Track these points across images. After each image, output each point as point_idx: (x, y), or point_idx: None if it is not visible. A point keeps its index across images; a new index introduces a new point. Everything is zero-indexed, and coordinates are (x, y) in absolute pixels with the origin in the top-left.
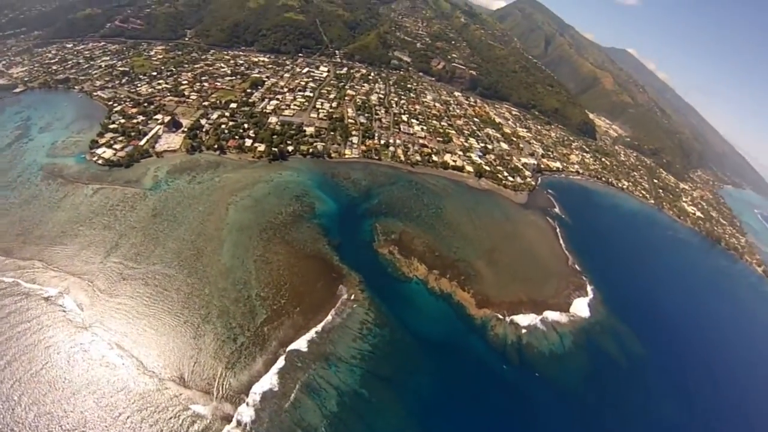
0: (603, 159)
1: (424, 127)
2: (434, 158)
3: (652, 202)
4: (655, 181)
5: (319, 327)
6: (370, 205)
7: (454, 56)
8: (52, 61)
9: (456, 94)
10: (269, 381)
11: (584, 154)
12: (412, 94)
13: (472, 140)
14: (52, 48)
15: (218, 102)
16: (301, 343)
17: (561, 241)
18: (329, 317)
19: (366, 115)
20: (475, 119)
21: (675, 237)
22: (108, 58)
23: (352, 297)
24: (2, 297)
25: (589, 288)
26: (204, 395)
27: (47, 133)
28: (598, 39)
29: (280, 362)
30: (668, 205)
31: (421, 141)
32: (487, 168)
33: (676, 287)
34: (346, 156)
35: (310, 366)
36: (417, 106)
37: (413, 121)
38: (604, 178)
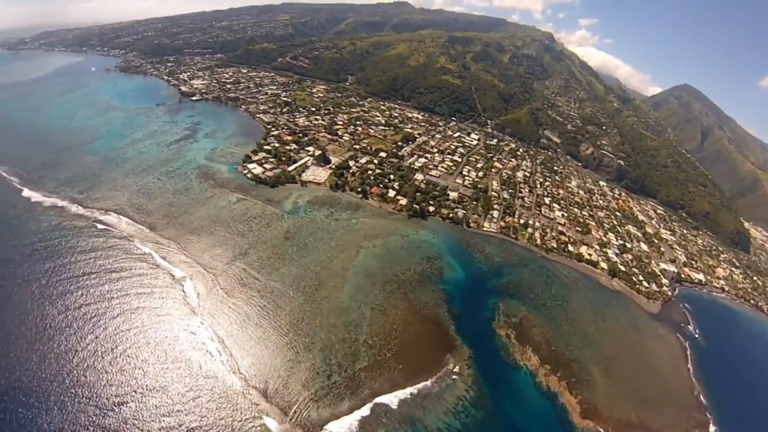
0: (756, 278)
1: (565, 214)
2: (570, 248)
3: None
4: None
5: (415, 389)
6: (498, 283)
7: (603, 142)
8: (228, 81)
9: (601, 183)
10: (348, 424)
11: (733, 269)
12: (557, 177)
13: (611, 235)
14: (229, 70)
15: (369, 148)
16: (392, 399)
17: (689, 366)
18: (428, 383)
19: (510, 191)
20: (617, 213)
21: None
22: (275, 87)
23: (457, 369)
24: (138, 261)
25: (712, 429)
26: (280, 413)
27: (210, 139)
28: (761, 135)
29: (365, 410)
30: None
31: (559, 227)
32: (622, 268)
33: None
34: (484, 228)
35: (393, 424)
36: (561, 191)
37: (555, 205)
38: (754, 301)
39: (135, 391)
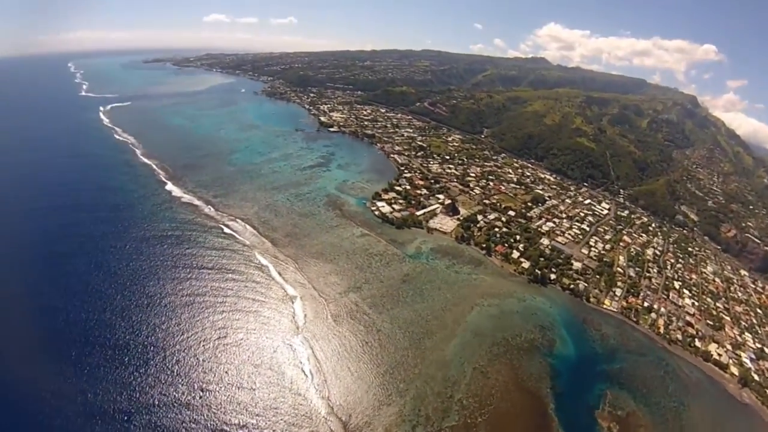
0: None
1: (696, 303)
2: (697, 343)
3: None
4: None
5: None
6: (610, 368)
7: (749, 225)
8: (365, 118)
9: (742, 272)
10: None
11: None
12: (691, 260)
13: (747, 335)
14: (368, 108)
15: (498, 205)
16: None
17: None
18: None
19: (637, 269)
20: (759, 310)
21: None
22: (411, 130)
23: None
24: (255, 270)
25: None
26: None
27: (342, 171)
28: None
29: None
30: None
31: (687, 317)
32: (757, 377)
33: None
34: (604, 306)
35: None
36: (693, 275)
37: (685, 291)
38: None
39: (225, 383)
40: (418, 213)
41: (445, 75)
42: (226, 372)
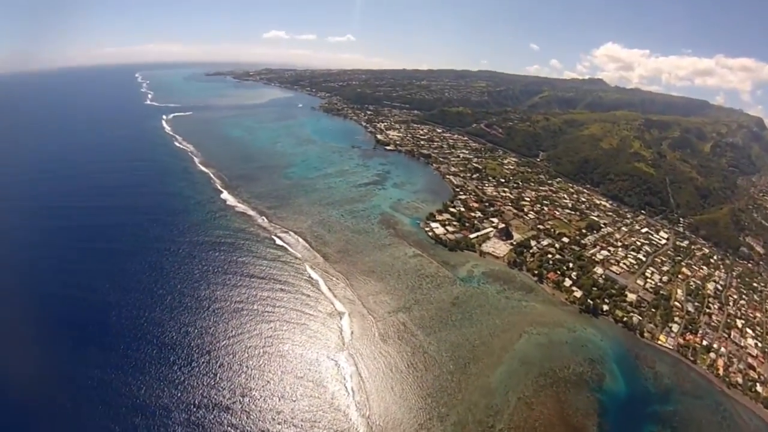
0: None
1: (759, 344)
2: (758, 388)
3: None
4: None
5: None
6: (662, 410)
7: None
8: (422, 137)
9: None
10: None
11: None
12: (756, 297)
13: None
14: (424, 128)
15: (552, 230)
16: None
17: None
18: None
19: (696, 303)
20: None
21: None
22: (467, 152)
23: None
24: (305, 282)
25: None
26: None
27: (397, 190)
28: None
29: None
30: None
31: (750, 359)
32: None
33: None
34: (659, 342)
35: None
36: (758, 314)
37: (748, 331)
38: None
39: (267, 391)
40: (472, 236)
41: (501, 96)
42: (268, 381)
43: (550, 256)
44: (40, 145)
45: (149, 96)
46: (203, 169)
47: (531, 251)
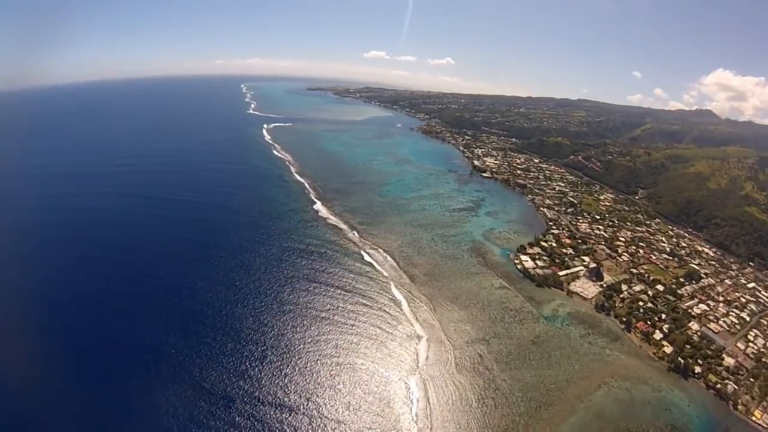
0: None
1: None
2: None
3: None
4: None
5: None
6: None
7: None
8: (519, 166)
9: None
10: None
11: None
12: None
13: None
14: (522, 157)
15: (646, 276)
16: None
17: None
18: None
19: None
20: None
21: None
22: (563, 184)
23: None
24: (388, 301)
25: None
26: None
27: (490, 218)
28: None
29: None
30: None
31: None
32: None
33: None
34: (754, 418)
35: None
36: None
37: None
38: None
39: (333, 400)
40: (561, 273)
41: (601, 127)
42: (337, 390)
43: (641, 303)
44: (159, 142)
45: (252, 105)
46: (299, 178)
47: (621, 296)
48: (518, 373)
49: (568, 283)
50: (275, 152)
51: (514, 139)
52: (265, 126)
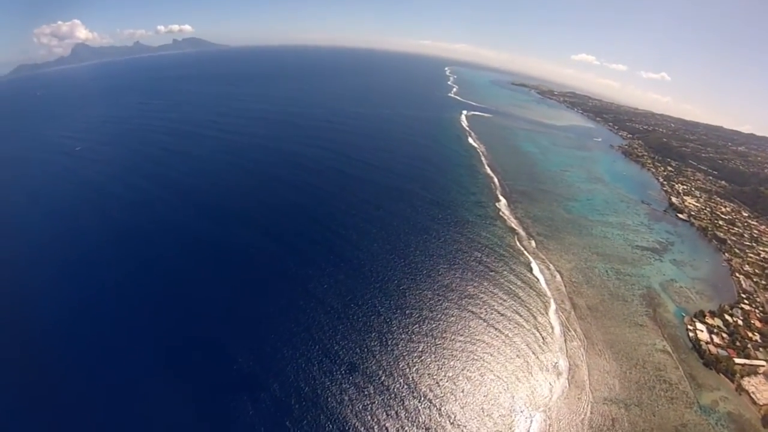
0: None
1: None
2: None
3: None
4: None
5: None
6: None
7: None
8: (722, 215)
9: None
10: None
11: None
12: None
13: None
14: (729, 205)
15: None
16: None
17: None
18: None
19: None
20: None
21: None
22: None
23: None
24: (544, 324)
25: None
26: None
27: (674, 268)
28: None
29: None
30: None
31: None
32: None
33: None
34: None
35: None
36: None
37: None
38: None
39: (441, 404)
40: (738, 361)
41: None
42: (450, 396)
43: None
44: (360, 107)
45: (453, 90)
46: (489, 171)
47: None
48: None
49: (742, 376)
50: (470, 140)
51: (723, 182)
52: (464, 112)
